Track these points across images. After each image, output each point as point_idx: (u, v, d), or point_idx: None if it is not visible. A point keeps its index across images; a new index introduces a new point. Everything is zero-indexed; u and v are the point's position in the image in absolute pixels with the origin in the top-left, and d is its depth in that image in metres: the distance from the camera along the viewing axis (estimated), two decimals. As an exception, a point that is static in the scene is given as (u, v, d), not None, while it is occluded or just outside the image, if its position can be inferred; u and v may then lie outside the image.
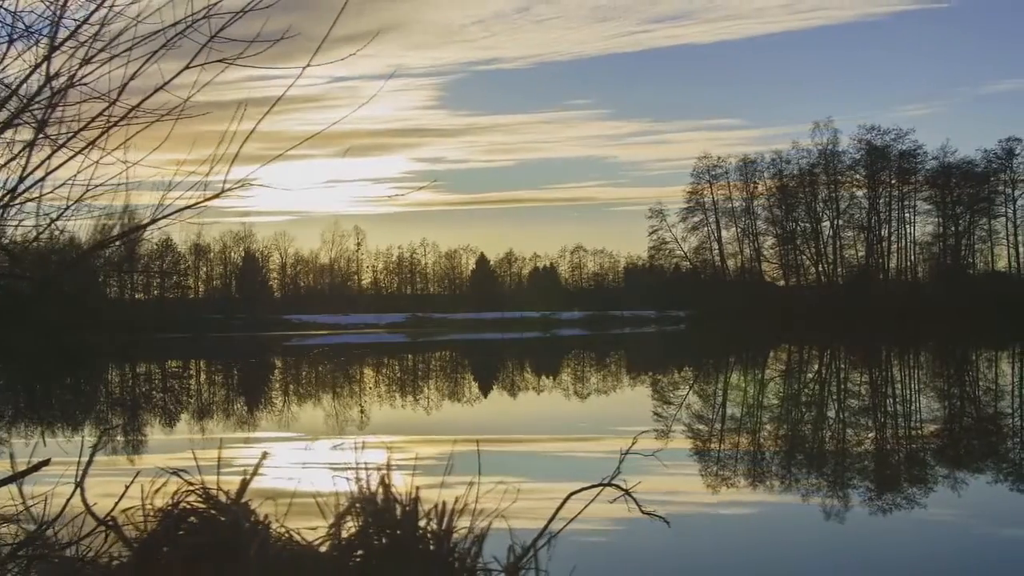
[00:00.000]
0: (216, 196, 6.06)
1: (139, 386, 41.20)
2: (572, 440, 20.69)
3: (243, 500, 4.89)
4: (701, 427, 22.44)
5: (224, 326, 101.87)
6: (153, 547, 4.72)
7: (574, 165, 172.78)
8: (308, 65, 6.12)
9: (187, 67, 6.28)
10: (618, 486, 6.71)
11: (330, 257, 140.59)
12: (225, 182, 5.98)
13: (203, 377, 47.29)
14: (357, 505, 4.59)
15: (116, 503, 5.96)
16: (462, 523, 4.93)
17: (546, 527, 5.87)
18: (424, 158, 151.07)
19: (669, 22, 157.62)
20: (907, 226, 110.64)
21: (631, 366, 48.47)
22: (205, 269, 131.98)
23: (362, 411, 27.56)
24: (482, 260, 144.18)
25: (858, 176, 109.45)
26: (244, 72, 6.24)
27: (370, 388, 36.47)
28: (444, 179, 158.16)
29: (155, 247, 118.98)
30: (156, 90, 6.43)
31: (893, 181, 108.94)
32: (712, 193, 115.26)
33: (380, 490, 4.64)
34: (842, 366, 45.63)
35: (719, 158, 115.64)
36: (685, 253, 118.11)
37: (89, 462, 6.15)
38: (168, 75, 6.24)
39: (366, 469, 4.67)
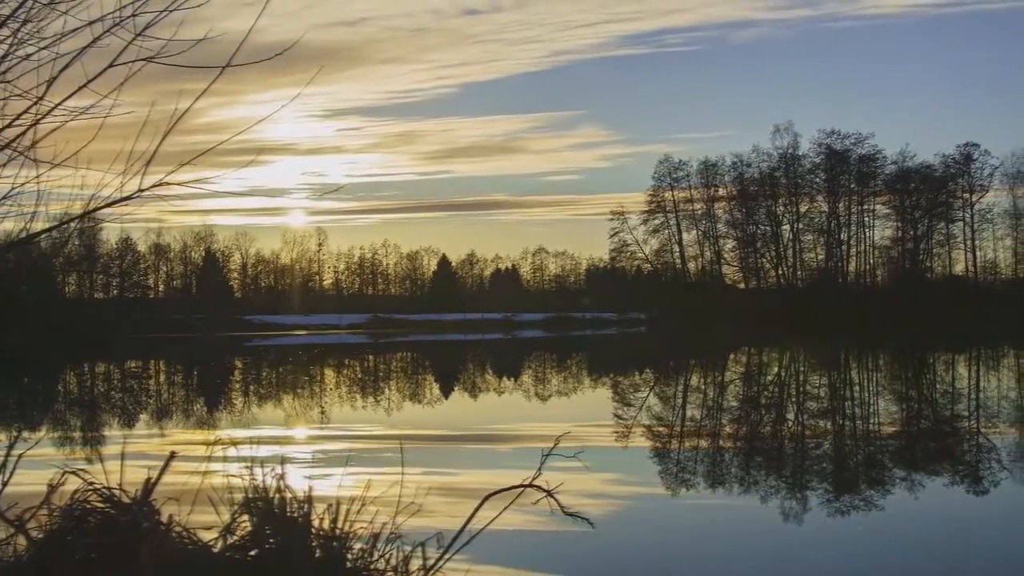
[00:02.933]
0: (128, 199, 6.03)
1: (75, 388, 40.90)
2: (503, 441, 20.70)
3: (150, 499, 4.89)
4: (630, 428, 22.55)
5: (184, 326, 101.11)
6: (52, 546, 4.69)
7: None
8: (228, 65, 6.12)
9: (111, 65, 6.24)
10: (540, 487, 6.68)
11: (291, 258, 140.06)
12: (141, 186, 5.97)
13: (160, 379, 46.99)
14: (252, 505, 4.58)
15: (42, 502, 5.93)
16: (367, 518, 4.94)
17: (463, 528, 5.85)
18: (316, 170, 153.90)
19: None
20: (866, 230, 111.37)
21: (584, 369, 48.53)
22: (165, 269, 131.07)
23: (301, 410, 27.59)
24: (444, 261, 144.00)
25: (818, 180, 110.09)
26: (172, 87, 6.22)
27: (317, 389, 36.35)
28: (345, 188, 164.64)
29: (114, 246, 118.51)
30: (80, 87, 6.38)
31: (853, 185, 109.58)
32: (673, 196, 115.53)
33: (275, 490, 4.64)
34: (799, 369, 45.86)
35: (680, 161, 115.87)
36: (646, 255, 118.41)
37: (3, 464, 6.10)
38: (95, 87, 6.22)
39: (263, 468, 4.67)
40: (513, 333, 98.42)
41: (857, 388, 33.54)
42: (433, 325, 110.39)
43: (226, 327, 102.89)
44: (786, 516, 12.63)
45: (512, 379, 40.57)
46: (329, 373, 46.19)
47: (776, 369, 45.95)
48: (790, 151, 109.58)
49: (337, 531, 4.77)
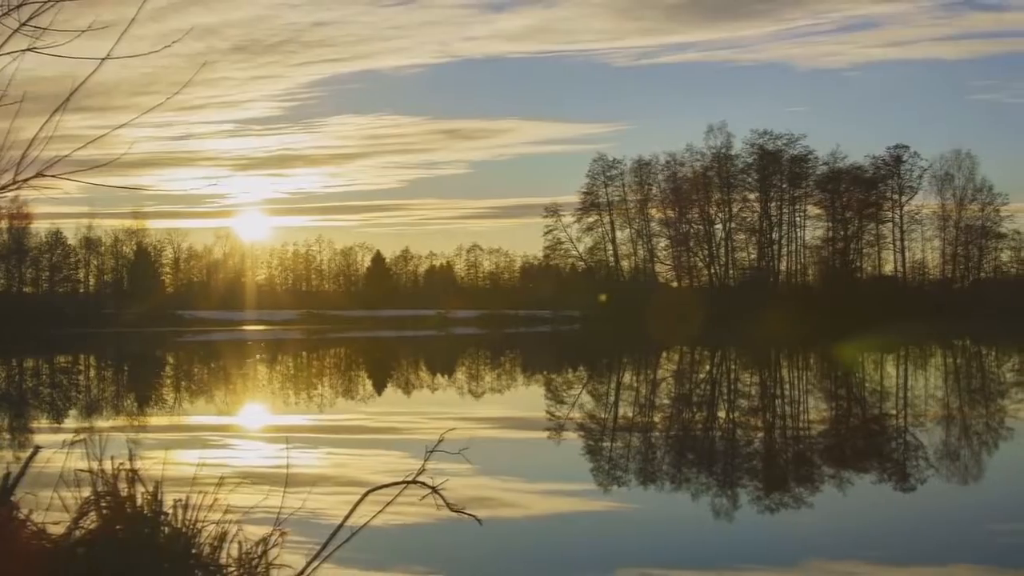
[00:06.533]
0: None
1: None
2: (399, 434, 20.70)
3: (11, 495, 4.84)
4: (531, 423, 22.70)
5: (115, 321, 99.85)
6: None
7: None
8: (107, 57, 6.10)
9: (-4, 55, 6.19)
10: (424, 483, 6.62)
11: (224, 252, 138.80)
12: (16, 177, 5.92)
13: (78, 375, 46.42)
14: (102, 499, 4.57)
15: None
16: (222, 513, 4.93)
17: (342, 523, 5.84)
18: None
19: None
20: (798, 230, 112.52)
21: (511, 366, 48.55)
22: (96, 263, 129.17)
23: (203, 404, 27.53)
24: (378, 258, 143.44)
25: (750, 180, 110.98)
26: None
27: (231, 384, 36.10)
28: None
29: (44, 240, 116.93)
30: (-34, 76, 6.32)
31: (784, 185, 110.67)
32: (607, 194, 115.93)
33: (126, 484, 4.62)
34: (727, 368, 46.24)
35: (614, 159, 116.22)
36: (580, 253, 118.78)
37: None
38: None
39: (112, 461, 4.65)
40: (447, 330, 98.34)
41: (787, 386, 33.91)
42: (367, 322, 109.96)
43: (157, 322, 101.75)
44: (676, 506, 12.74)
45: (433, 375, 40.56)
46: (250, 369, 45.87)
47: (707, 367, 46.30)
48: (723, 151, 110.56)
49: (188, 526, 4.75)
